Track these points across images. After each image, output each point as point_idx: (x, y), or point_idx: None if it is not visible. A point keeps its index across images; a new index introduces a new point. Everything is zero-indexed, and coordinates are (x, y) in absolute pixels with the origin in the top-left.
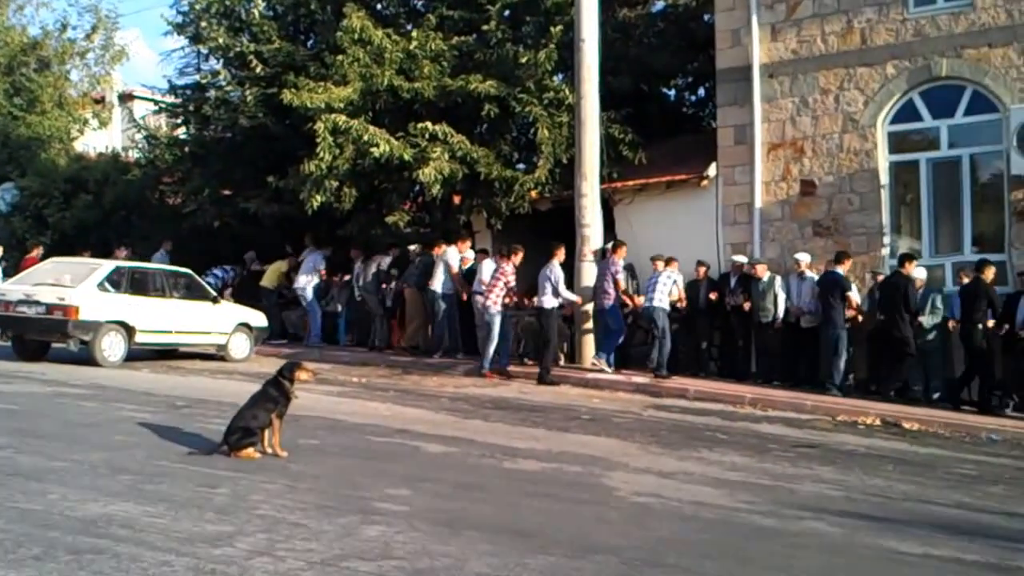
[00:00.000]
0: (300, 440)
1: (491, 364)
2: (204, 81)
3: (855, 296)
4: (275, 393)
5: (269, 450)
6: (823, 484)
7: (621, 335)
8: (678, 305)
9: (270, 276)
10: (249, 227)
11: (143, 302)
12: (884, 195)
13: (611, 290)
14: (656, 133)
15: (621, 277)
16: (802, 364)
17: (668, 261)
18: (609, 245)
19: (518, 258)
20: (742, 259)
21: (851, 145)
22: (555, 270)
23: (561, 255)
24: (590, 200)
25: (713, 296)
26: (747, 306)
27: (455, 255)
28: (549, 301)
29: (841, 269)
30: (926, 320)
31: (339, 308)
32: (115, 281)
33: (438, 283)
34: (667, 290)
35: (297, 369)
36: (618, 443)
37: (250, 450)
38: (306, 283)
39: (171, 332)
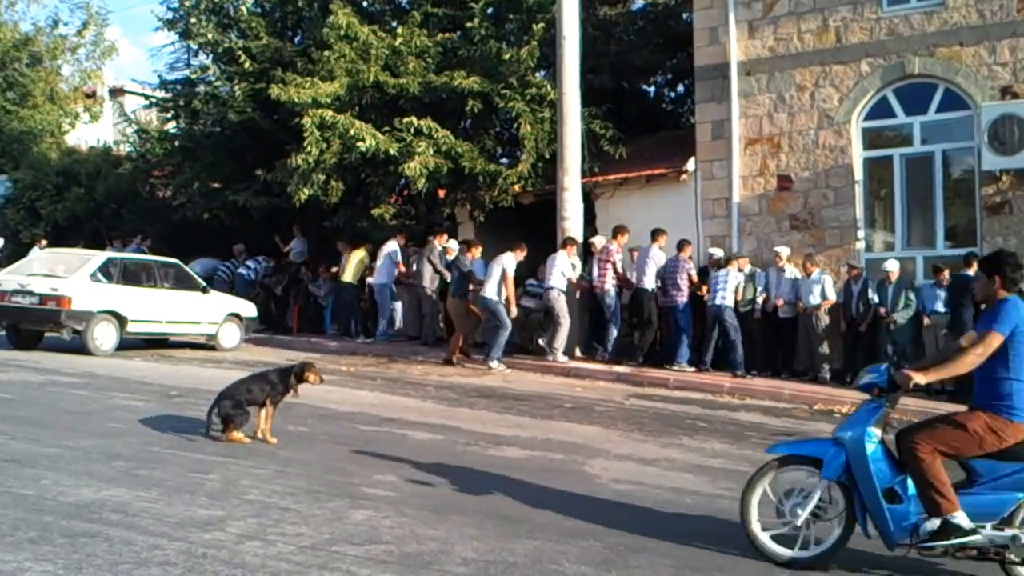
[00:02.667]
0: (290, 427)
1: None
2: (194, 76)
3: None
4: (275, 380)
5: (259, 435)
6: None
7: (690, 334)
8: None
9: (353, 269)
10: (238, 219)
11: (135, 292)
12: (858, 190)
13: (684, 287)
14: (636, 129)
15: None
16: (780, 353)
17: (728, 260)
18: (666, 240)
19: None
20: (719, 252)
21: (826, 141)
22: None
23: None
24: (572, 194)
25: (704, 291)
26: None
27: (511, 260)
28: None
29: (970, 271)
30: (900, 315)
31: (322, 295)
32: (107, 272)
33: (491, 290)
34: (734, 288)
35: (309, 371)
36: (601, 431)
37: (239, 434)
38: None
39: (162, 322)
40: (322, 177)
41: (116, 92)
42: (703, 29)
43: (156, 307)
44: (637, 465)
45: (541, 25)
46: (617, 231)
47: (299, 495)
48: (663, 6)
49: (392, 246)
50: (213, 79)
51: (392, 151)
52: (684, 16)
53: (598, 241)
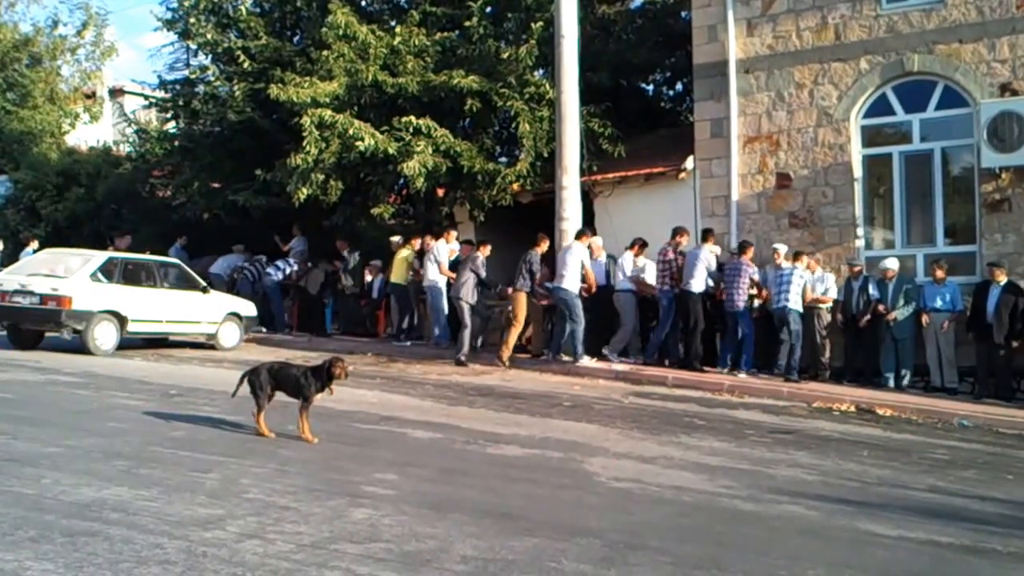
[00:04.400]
0: (289, 426)
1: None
2: (193, 76)
3: None
4: (312, 377)
5: (301, 435)
6: (800, 469)
7: (753, 339)
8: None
9: (398, 269)
10: (237, 219)
11: (135, 292)
12: (857, 188)
13: (744, 293)
14: (635, 127)
15: (751, 277)
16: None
17: (796, 256)
18: (734, 245)
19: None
20: (717, 250)
21: (825, 139)
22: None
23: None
24: (570, 192)
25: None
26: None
27: (584, 250)
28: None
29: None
30: (900, 312)
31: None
32: (107, 272)
33: (571, 282)
34: (800, 290)
35: (336, 366)
36: (599, 429)
37: (265, 425)
38: (436, 277)
39: (162, 321)
40: (321, 176)
41: (116, 92)
42: (702, 27)
43: (156, 307)
44: (636, 463)
45: (539, 24)
46: (677, 232)
47: (299, 494)
48: (661, 4)
49: (442, 246)
50: (212, 79)
51: (391, 150)
52: (683, 14)
53: (597, 241)
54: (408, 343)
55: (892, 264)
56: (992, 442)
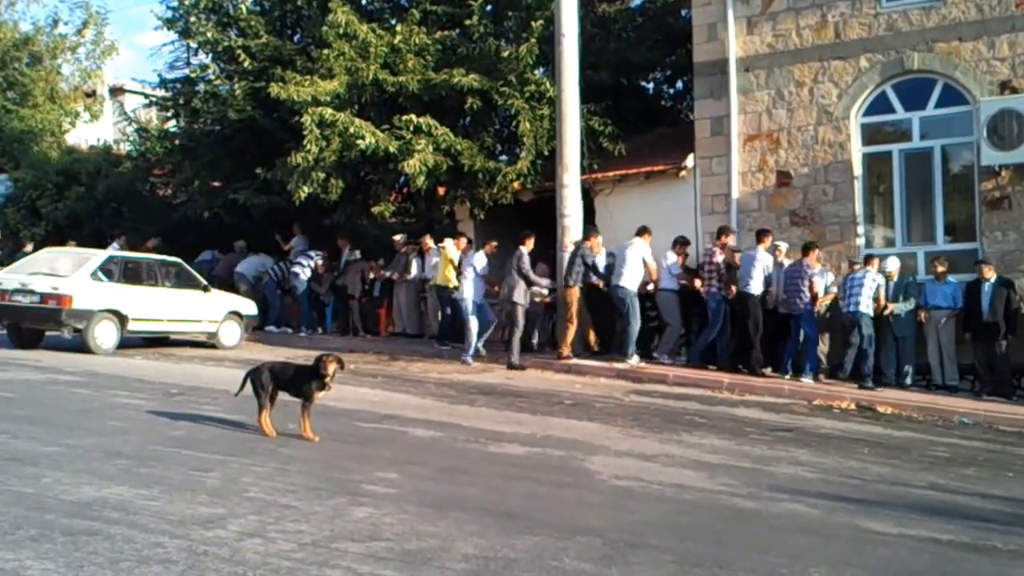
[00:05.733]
0: (290, 425)
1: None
2: (193, 75)
3: None
4: (311, 376)
5: (303, 434)
6: (800, 467)
7: (818, 343)
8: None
9: (444, 271)
10: (238, 218)
11: (135, 291)
12: (857, 186)
13: (807, 295)
14: (635, 126)
15: (819, 282)
16: (779, 349)
17: (867, 260)
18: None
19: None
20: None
21: (825, 137)
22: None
23: (529, 244)
24: (571, 191)
25: (699, 284)
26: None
27: (646, 247)
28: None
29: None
30: (899, 307)
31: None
32: (108, 270)
33: (630, 279)
34: (871, 293)
35: (325, 361)
36: (600, 427)
37: (269, 424)
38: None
39: (163, 320)
40: (322, 175)
41: (116, 91)
42: (702, 25)
43: (157, 306)
44: (637, 461)
45: (540, 22)
46: (722, 232)
47: (300, 492)
48: (662, 3)
49: (480, 257)
50: (213, 78)
51: (392, 149)
52: (683, 13)
53: (598, 241)
54: (448, 347)
55: (893, 266)
56: (992, 439)
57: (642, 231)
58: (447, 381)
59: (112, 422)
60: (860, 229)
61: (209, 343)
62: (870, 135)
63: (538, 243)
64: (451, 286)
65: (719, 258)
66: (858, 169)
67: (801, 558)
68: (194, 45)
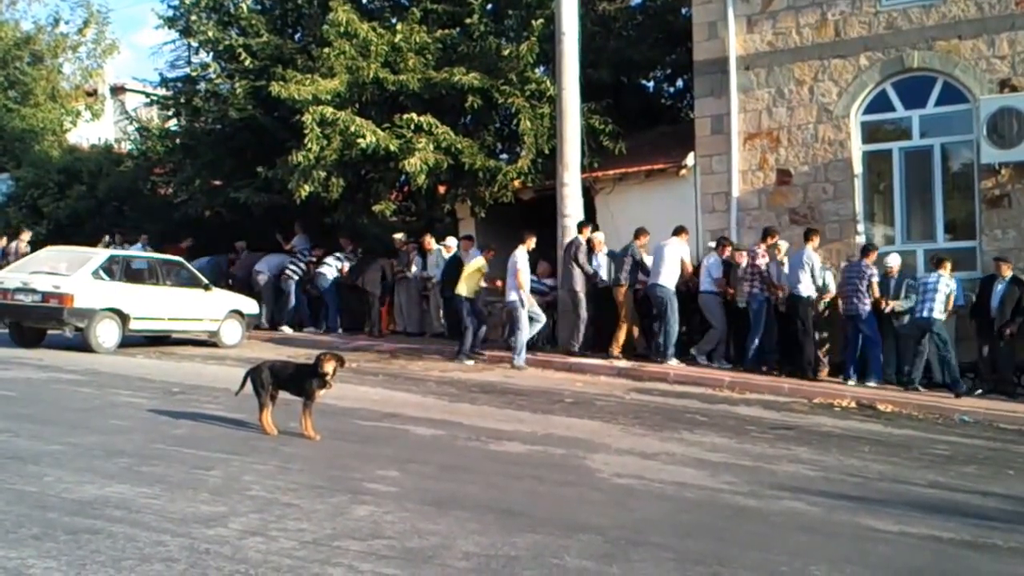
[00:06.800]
0: (292, 424)
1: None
2: (194, 74)
3: None
4: (311, 375)
5: (304, 432)
6: (801, 465)
7: (880, 346)
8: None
9: (469, 281)
10: (239, 216)
11: (137, 290)
12: (858, 184)
13: (867, 297)
14: (635, 124)
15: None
16: (781, 346)
17: (939, 262)
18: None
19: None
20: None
21: (825, 135)
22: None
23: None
24: (571, 189)
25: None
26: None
27: (684, 246)
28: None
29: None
30: (900, 304)
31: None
32: (109, 269)
33: (669, 278)
34: (944, 298)
35: (323, 360)
36: (601, 425)
37: (270, 422)
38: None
39: (164, 319)
40: (323, 174)
41: (117, 90)
42: (702, 24)
43: (158, 304)
44: (638, 459)
45: (540, 21)
46: (768, 233)
47: (301, 491)
48: (662, 1)
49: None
50: (214, 77)
51: (392, 147)
52: (683, 11)
53: (598, 237)
54: (471, 362)
55: (894, 261)
56: (993, 437)
57: (679, 230)
58: (448, 379)
59: (114, 421)
60: (860, 227)
61: (210, 342)
62: (870, 133)
63: (539, 242)
64: (473, 296)
65: (762, 260)
66: (858, 167)
67: (802, 556)
68: (195, 44)
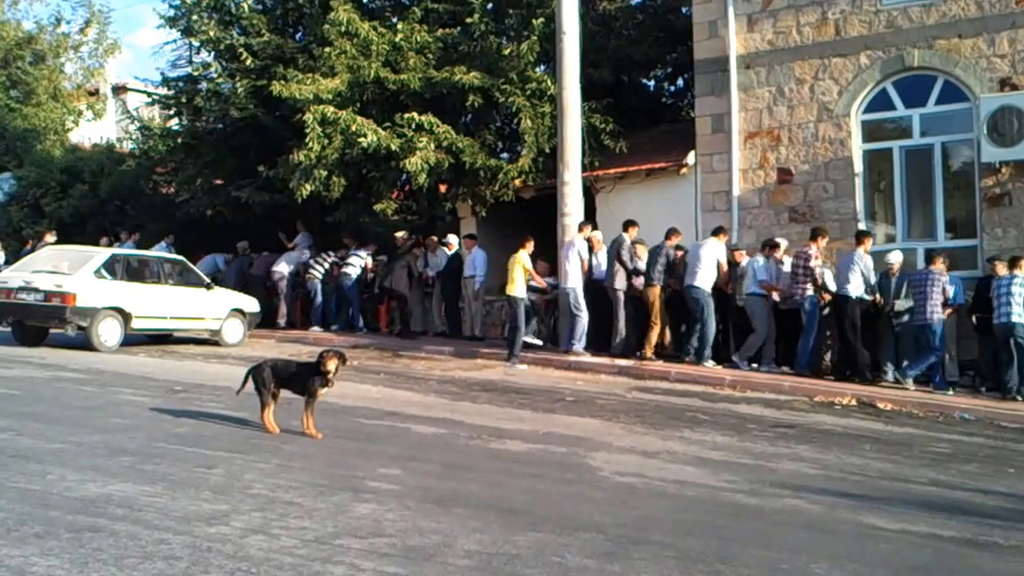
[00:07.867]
0: (293, 421)
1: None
2: (196, 73)
3: None
4: (312, 373)
5: (305, 431)
6: (802, 463)
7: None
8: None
9: (518, 278)
10: (240, 215)
11: (139, 289)
12: (858, 182)
13: (938, 305)
14: (636, 123)
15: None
16: (781, 344)
17: (1013, 263)
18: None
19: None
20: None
21: (826, 134)
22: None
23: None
24: (572, 188)
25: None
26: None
27: (721, 248)
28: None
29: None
30: (900, 303)
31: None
32: (111, 268)
33: (705, 279)
34: (1022, 300)
35: (326, 358)
36: (602, 424)
37: (271, 420)
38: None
39: (166, 318)
40: (324, 173)
41: (119, 89)
42: (702, 23)
43: (160, 303)
44: (639, 458)
45: (541, 20)
46: (817, 233)
47: (303, 489)
48: (662, 0)
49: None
50: (215, 76)
51: (393, 147)
52: (683, 10)
53: (597, 236)
54: (524, 367)
55: (896, 259)
56: (993, 435)
57: (718, 231)
58: (449, 378)
59: (116, 419)
60: (861, 226)
61: (212, 340)
62: (870, 132)
63: (539, 242)
64: (522, 295)
65: (815, 262)
66: (859, 166)
67: (803, 554)
68: (196, 43)
